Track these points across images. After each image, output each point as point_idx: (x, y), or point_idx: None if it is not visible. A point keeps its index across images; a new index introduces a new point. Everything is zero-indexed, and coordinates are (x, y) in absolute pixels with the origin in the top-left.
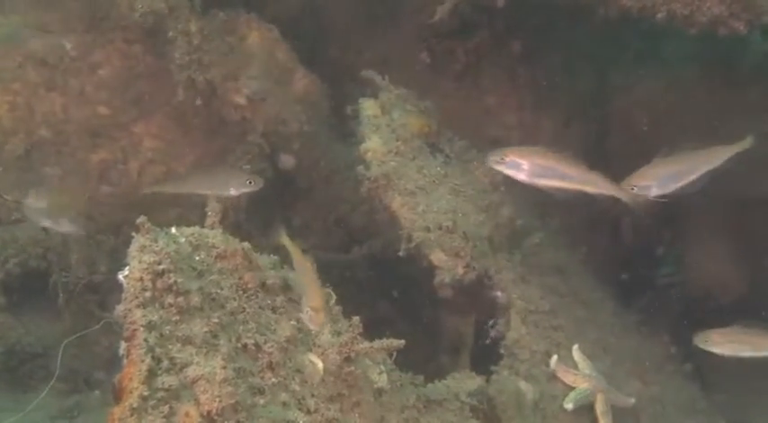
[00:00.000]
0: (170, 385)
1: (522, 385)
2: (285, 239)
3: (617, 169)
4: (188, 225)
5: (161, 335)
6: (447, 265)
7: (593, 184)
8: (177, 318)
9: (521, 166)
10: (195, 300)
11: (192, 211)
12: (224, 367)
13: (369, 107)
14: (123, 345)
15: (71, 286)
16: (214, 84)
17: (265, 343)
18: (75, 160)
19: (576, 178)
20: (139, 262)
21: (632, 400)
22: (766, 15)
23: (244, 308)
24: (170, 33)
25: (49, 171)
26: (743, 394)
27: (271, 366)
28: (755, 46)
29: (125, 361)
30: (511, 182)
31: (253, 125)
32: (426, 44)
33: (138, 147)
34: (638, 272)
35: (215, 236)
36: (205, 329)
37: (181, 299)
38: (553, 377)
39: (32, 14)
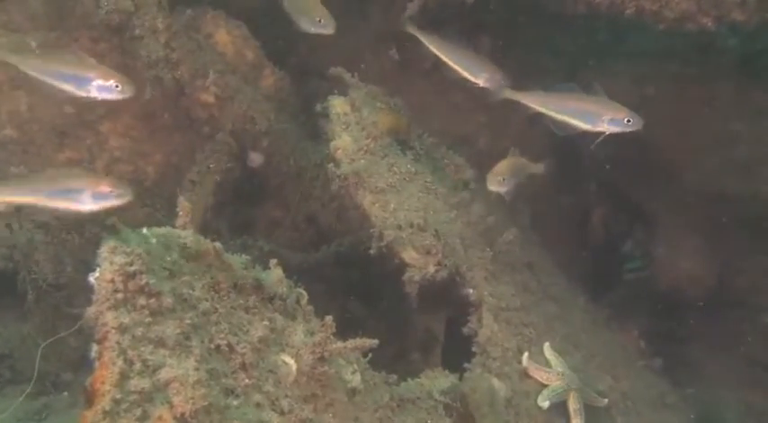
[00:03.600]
0: (143, 388)
1: (495, 383)
2: None
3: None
4: (157, 225)
5: (133, 337)
6: (418, 263)
7: None
8: (149, 319)
9: None
10: (167, 301)
11: (160, 210)
12: (197, 369)
13: (338, 105)
14: (95, 347)
15: (40, 284)
16: (182, 82)
17: (238, 344)
18: (40, 159)
19: None
20: (110, 263)
21: (605, 401)
22: (734, 11)
23: (216, 308)
24: (137, 31)
25: (14, 170)
26: (712, 389)
27: (244, 367)
28: (724, 42)
29: (96, 363)
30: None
31: (221, 123)
32: (396, 41)
33: (104, 146)
34: (608, 267)
35: (186, 236)
36: (177, 331)
37: (153, 300)
38: (525, 374)
39: None
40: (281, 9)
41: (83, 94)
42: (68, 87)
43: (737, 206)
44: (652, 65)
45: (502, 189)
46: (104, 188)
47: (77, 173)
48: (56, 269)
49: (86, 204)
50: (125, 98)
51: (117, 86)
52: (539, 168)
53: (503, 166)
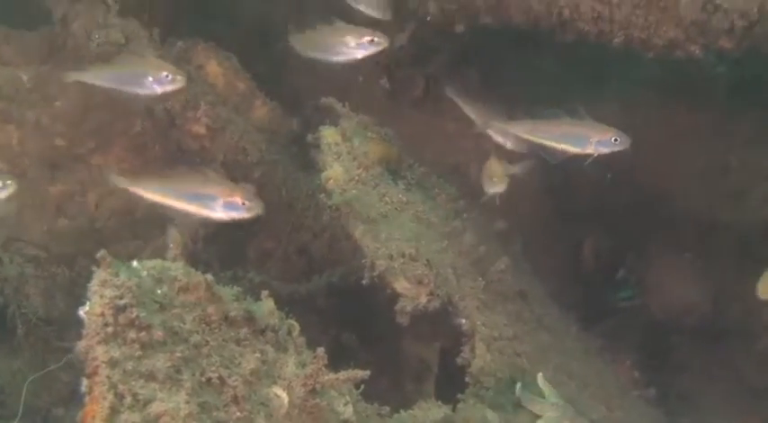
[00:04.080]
0: (133, 422)
1: (489, 414)
2: None
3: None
4: (148, 258)
5: (124, 371)
6: (410, 293)
7: None
8: (140, 353)
9: None
10: (158, 334)
11: (151, 243)
12: (188, 402)
13: (329, 135)
14: (85, 382)
15: (30, 318)
16: (173, 113)
17: (230, 376)
18: (32, 193)
19: None
20: (101, 297)
21: None
22: (722, 39)
23: (207, 341)
24: None
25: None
26: (707, 418)
27: (236, 400)
28: (711, 69)
29: (87, 398)
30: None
31: (212, 154)
32: (386, 70)
33: (96, 178)
34: (601, 296)
35: (177, 268)
36: (168, 364)
37: (143, 333)
38: (519, 405)
39: None
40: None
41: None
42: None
43: (729, 233)
44: (641, 93)
45: (500, 189)
46: (237, 199)
47: (213, 178)
48: (47, 303)
49: (216, 213)
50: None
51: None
52: (515, 169)
53: (492, 167)
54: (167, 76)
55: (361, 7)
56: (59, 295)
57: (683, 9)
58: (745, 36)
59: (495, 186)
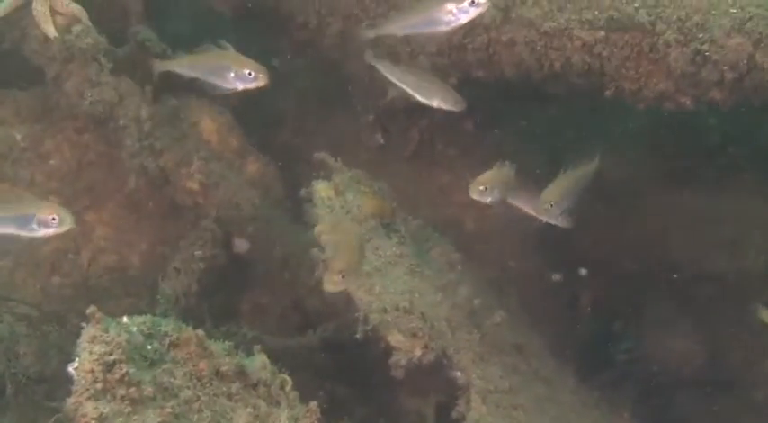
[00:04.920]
0: None
1: None
2: None
3: (577, 246)
4: (140, 314)
5: None
6: (405, 346)
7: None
8: (130, 409)
9: None
10: (148, 390)
11: (144, 300)
12: None
13: (322, 189)
14: None
15: (19, 377)
16: (166, 170)
17: None
18: (25, 252)
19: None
20: (90, 353)
21: None
22: (712, 91)
23: (198, 396)
24: (121, 121)
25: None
26: None
27: None
28: (703, 121)
29: None
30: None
31: (206, 210)
32: (380, 124)
33: (89, 236)
34: (598, 348)
35: (168, 324)
36: (158, 420)
37: (133, 390)
38: None
39: None
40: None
41: None
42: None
43: (726, 284)
44: (634, 144)
45: (484, 199)
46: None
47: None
48: (39, 361)
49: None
50: None
51: None
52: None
53: (487, 175)
54: (250, 74)
55: (435, 103)
56: (53, 353)
57: (672, 61)
58: (735, 88)
59: (479, 195)
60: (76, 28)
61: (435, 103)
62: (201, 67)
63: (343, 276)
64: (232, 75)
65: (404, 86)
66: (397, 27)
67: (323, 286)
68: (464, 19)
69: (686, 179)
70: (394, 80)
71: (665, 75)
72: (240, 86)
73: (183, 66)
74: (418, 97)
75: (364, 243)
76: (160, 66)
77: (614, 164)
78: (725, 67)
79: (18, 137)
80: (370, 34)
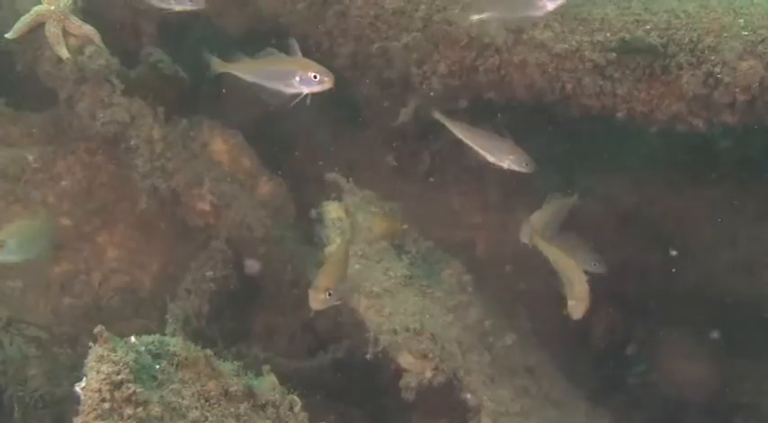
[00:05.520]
0: None
1: None
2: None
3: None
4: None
5: None
6: (415, 368)
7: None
8: None
9: None
10: (155, 410)
11: (155, 321)
12: None
13: (333, 210)
14: None
15: (27, 400)
16: (177, 191)
17: None
18: (37, 273)
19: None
20: (97, 372)
21: None
22: (724, 113)
23: (206, 417)
24: (132, 142)
25: (10, 285)
26: None
27: None
28: (717, 144)
29: None
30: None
31: (217, 231)
32: (392, 147)
33: (101, 257)
34: (610, 371)
35: (176, 343)
36: None
37: (140, 409)
38: None
39: None
40: None
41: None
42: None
43: (740, 308)
44: (648, 167)
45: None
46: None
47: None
48: (50, 383)
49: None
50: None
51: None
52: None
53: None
54: (315, 77)
55: (505, 164)
56: (63, 375)
57: (684, 83)
58: (747, 110)
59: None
60: (89, 49)
61: (506, 165)
62: (264, 71)
63: (329, 294)
64: (297, 78)
65: (473, 146)
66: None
67: (310, 304)
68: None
69: (700, 202)
70: (463, 139)
71: (677, 97)
72: (306, 90)
73: (245, 70)
74: (488, 157)
75: (349, 259)
76: (220, 67)
77: (628, 188)
78: (737, 90)
79: (30, 158)
80: (474, 19)
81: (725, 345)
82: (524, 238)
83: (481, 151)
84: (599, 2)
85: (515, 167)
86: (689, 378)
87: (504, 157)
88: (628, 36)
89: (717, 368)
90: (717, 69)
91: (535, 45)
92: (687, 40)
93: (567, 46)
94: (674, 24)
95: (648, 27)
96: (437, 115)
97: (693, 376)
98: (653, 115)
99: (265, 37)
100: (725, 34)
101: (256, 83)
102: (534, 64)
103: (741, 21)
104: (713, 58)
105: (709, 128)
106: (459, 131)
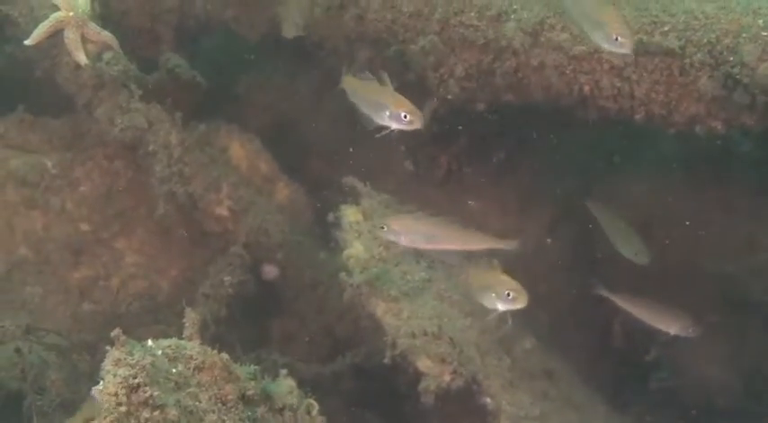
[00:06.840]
0: None
1: None
2: None
3: (605, 273)
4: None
5: None
6: (433, 372)
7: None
8: None
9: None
10: (172, 413)
11: (173, 326)
12: None
13: (350, 213)
14: None
15: (45, 408)
16: (195, 196)
17: None
18: (56, 279)
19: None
20: (114, 376)
21: None
22: (743, 115)
23: (223, 420)
24: (150, 147)
25: (30, 290)
26: None
27: None
28: (737, 147)
29: None
30: None
31: (235, 236)
32: (410, 151)
33: (119, 262)
34: (632, 375)
35: (193, 347)
36: None
37: (157, 413)
38: None
39: (14, 134)
40: None
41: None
42: None
43: (762, 312)
44: (668, 171)
45: None
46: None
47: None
48: (69, 390)
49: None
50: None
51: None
52: None
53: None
54: (405, 117)
55: (672, 331)
56: (83, 381)
57: (702, 85)
58: (766, 112)
59: None
60: (107, 55)
61: (672, 331)
62: (363, 97)
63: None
64: (387, 113)
65: (638, 315)
66: None
67: None
68: None
69: (719, 206)
70: (630, 310)
71: (696, 98)
72: (393, 126)
73: (353, 89)
74: (657, 325)
75: None
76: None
77: (646, 192)
78: (756, 91)
79: (49, 164)
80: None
81: (747, 349)
82: None
83: (644, 318)
84: (617, 3)
85: (681, 333)
86: (712, 382)
87: (671, 325)
88: (646, 37)
89: (740, 372)
90: (736, 70)
91: (552, 47)
92: (705, 41)
93: (584, 47)
94: (691, 25)
95: (666, 28)
96: (601, 290)
97: (716, 381)
98: (671, 117)
99: (281, 42)
100: (744, 35)
101: (356, 104)
102: (552, 66)
103: (760, 21)
104: (732, 59)
105: (728, 130)
106: (624, 302)
